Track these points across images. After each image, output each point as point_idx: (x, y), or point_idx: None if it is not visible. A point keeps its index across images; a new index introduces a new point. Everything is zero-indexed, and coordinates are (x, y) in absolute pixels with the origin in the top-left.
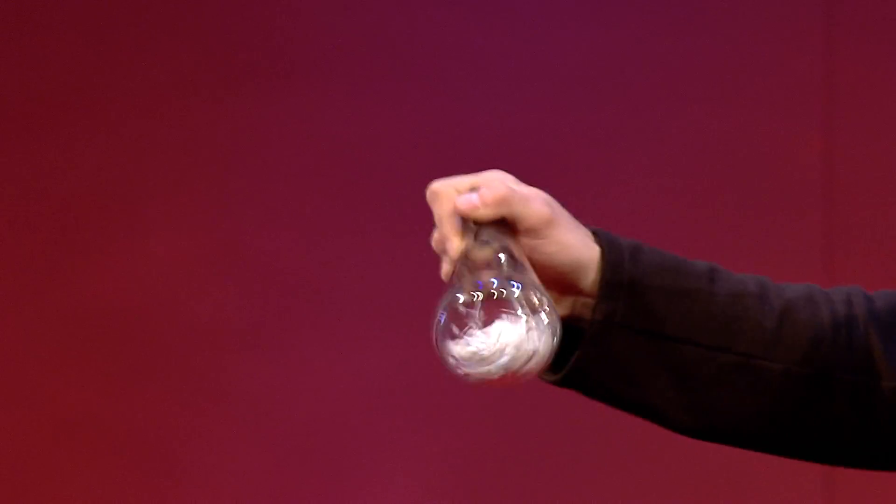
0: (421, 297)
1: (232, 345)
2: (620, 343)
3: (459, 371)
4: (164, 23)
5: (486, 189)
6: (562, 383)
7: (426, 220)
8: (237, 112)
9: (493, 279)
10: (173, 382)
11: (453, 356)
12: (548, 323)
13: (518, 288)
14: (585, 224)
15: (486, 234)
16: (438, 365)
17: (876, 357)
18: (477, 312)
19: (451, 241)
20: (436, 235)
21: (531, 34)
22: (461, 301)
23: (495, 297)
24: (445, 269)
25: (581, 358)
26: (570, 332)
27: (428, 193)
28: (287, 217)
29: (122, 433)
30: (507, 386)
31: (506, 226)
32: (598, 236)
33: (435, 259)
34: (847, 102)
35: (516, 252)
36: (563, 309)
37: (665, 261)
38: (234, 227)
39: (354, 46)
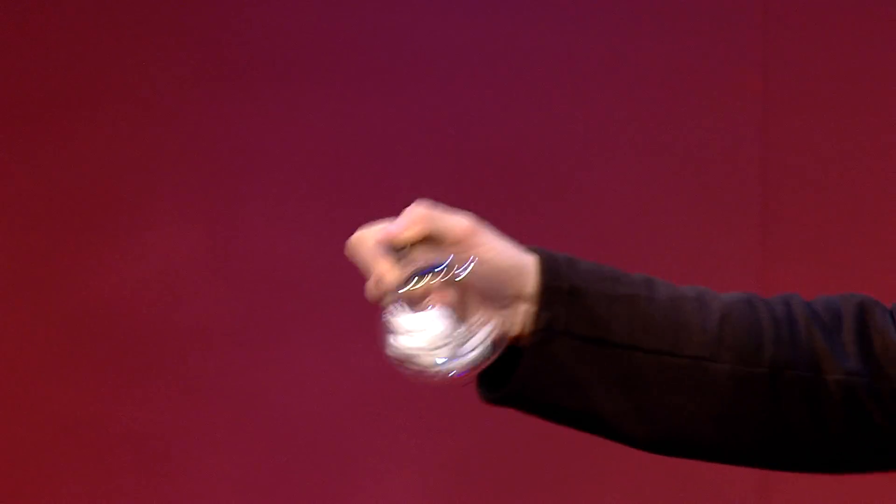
0: None
1: (230, 344)
2: (564, 351)
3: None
4: (162, 22)
5: (408, 213)
6: (506, 400)
7: None
8: (234, 112)
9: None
10: (171, 382)
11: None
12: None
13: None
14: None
15: (416, 255)
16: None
17: (819, 352)
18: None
19: (383, 274)
20: (368, 285)
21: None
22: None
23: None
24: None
25: (525, 368)
26: (514, 351)
27: (347, 247)
28: (284, 216)
29: (119, 432)
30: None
31: (435, 248)
32: (532, 250)
33: None
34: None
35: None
36: (510, 326)
37: (601, 269)
38: (232, 226)
39: (354, 47)
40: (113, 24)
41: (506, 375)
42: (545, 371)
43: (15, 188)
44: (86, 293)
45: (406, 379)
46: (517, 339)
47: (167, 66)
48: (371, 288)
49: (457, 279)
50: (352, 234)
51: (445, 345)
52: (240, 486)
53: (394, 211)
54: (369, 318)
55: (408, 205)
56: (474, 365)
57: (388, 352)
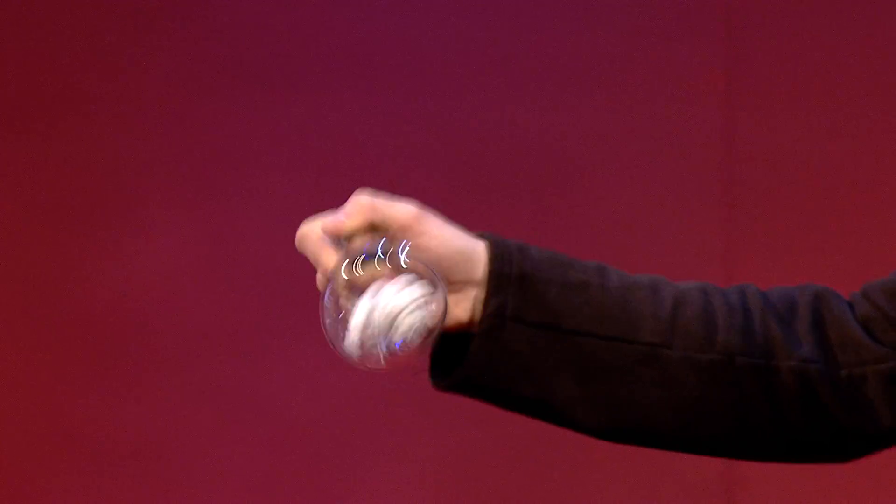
0: None
1: (231, 347)
2: (515, 337)
3: (363, 354)
4: (163, 23)
5: (350, 203)
6: (457, 386)
7: None
8: (234, 113)
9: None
10: (171, 385)
11: (353, 347)
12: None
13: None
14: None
15: (360, 244)
16: None
17: (773, 339)
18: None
19: (325, 261)
20: (318, 277)
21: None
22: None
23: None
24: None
25: (475, 355)
26: (465, 338)
27: (296, 241)
28: (285, 217)
29: (119, 436)
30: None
31: (379, 236)
32: (483, 236)
33: None
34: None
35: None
36: (462, 311)
37: (553, 256)
38: (233, 228)
39: (355, 49)
40: (112, 24)
41: (458, 362)
42: (495, 357)
43: (14, 189)
44: (85, 294)
45: (406, 379)
46: (468, 325)
47: (167, 66)
48: (320, 280)
49: (395, 264)
50: None
51: (386, 329)
52: (241, 487)
53: None
54: None
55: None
56: (415, 349)
57: (330, 339)
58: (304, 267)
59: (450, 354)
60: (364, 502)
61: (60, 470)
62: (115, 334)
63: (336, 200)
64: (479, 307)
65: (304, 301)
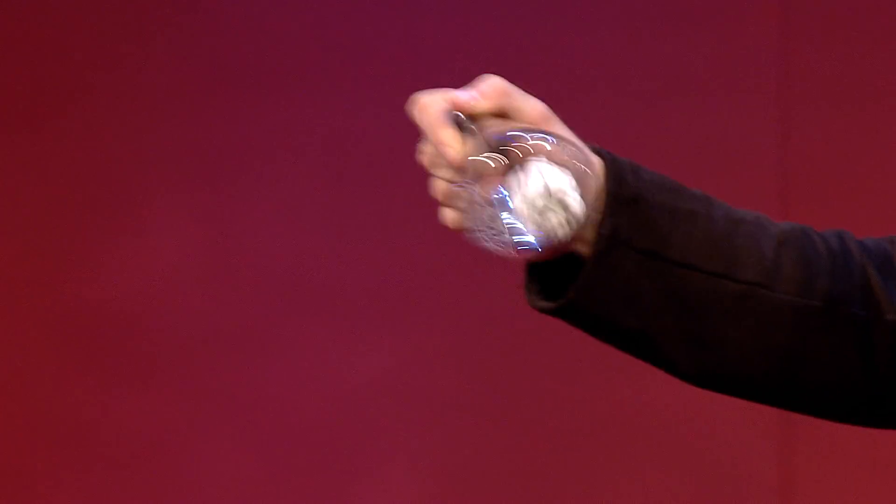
0: (420, 297)
1: (231, 346)
2: (624, 263)
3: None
4: (164, 22)
5: (484, 84)
6: (561, 311)
7: (426, 221)
8: (234, 112)
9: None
10: (172, 384)
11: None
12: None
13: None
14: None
15: (484, 129)
16: (438, 364)
17: (874, 290)
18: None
19: (445, 143)
20: (425, 149)
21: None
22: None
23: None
24: (441, 184)
25: (587, 277)
26: (568, 261)
27: (414, 108)
28: (285, 217)
29: (119, 435)
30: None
31: (509, 125)
32: (597, 151)
33: (434, 258)
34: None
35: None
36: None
37: (664, 180)
38: (233, 228)
39: (354, 49)
40: (112, 24)
41: (560, 286)
42: (605, 282)
43: (14, 188)
44: (85, 294)
45: (406, 380)
46: (573, 244)
47: (167, 66)
48: (428, 153)
49: (542, 150)
50: (352, 234)
51: (537, 214)
52: (240, 487)
53: (396, 214)
54: (372, 320)
55: (413, 208)
56: (560, 239)
57: (465, 223)
58: (306, 268)
59: (549, 277)
60: (364, 502)
61: (60, 468)
62: (115, 332)
63: (337, 201)
64: (591, 227)
65: (304, 300)
